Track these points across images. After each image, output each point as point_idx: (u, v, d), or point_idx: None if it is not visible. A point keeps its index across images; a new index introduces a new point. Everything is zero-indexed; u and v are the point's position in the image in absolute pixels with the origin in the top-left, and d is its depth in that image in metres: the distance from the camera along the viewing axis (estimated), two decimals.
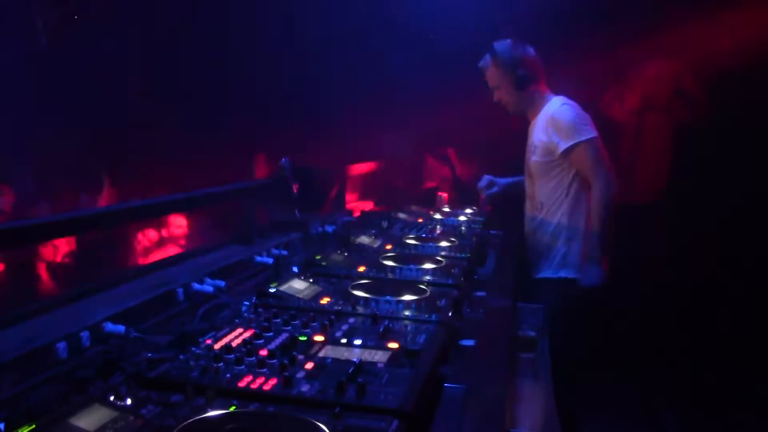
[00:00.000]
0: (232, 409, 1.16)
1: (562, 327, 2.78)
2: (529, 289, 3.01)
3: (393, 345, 1.50)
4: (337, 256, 2.46)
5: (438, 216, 3.64)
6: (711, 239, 4.16)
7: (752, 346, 3.91)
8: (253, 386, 1.26)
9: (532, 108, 3.05)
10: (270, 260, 2.43)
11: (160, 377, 1.29)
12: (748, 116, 4.05)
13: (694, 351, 4.10)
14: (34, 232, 1.78)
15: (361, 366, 1.35)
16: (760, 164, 4.06)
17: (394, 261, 2.35)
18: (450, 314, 1.82)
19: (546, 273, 2.99)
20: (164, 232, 5.26)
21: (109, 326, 1.58)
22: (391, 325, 1.65)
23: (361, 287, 1.97)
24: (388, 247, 2.74)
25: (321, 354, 1.44)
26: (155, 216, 2.33)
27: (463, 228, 3.20)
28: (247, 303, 1.83)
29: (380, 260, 2.37)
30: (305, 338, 1.53)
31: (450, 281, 2.15)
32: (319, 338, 1.54)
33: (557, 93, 3.05)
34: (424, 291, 1.95)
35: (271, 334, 1.55)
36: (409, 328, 1.66)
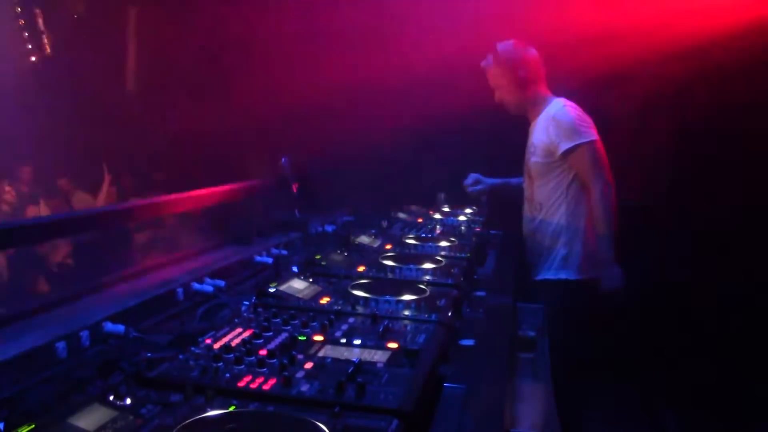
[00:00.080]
0: (231, 408, 1.16)
1: (562, 327, 2.78)
2: (528, 290, 3.01)
3: (393, 345, 1.50)
4: (337, 256, 2.46)
5: (438, 216, 3.65)
6: (711, 239, 4.16)
7: (752, 346, 3.91)
8: (253, 386, 1.26)
9: (532, 109, 3.06)
10: (270, 260, 2.44)
11: (160, 377, 1.29)
12: (749, 116, 4.04)
13: (694, 351, 4.09)
14: (34, 231, 1.78)
15: (361, 366, 1.35)
16: (761, 164, 4.05)
17: (394, 261, 2.35)
18: (450, 314, 1.82)
19: (546, 275, 2.99)
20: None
21: (109, 326, 1.58)
22: (390, 324, 1.65)
23: (360, 287, 1.97)
24: (388, 246, 2.74)
25: (320, 354, 1.44)
26: (155, 216, 2.33)
27: (462, 228, 3.20)
28: (246, 303, 1.82)
29: (380, 260, 2.37)
30: (305, 338, 1.53)
31: (450, 281, 2.15)
32: (318, 338, 1.54)
33: (558, 95, 3.06)
34: (423, 291, 1.95)
35: (270, 333, 1.55)
36: (408, 327, 1.66)
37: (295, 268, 2.27)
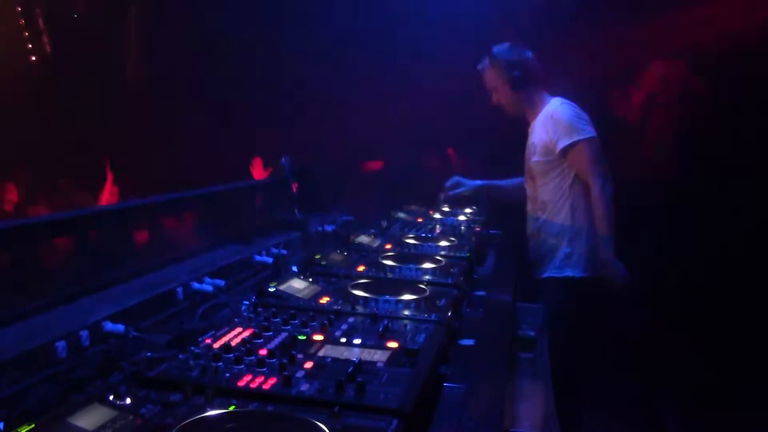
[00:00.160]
0: (231, 408, 1.16)
1: (562, 326, 2.78)
2: (530, 290, 3.01)
3: (392, 344, 1.50)
4: (337, 256, 2.46)
5: (437, 215, 3.65)
6: (712, 239, 4.16)
7: (753, 346, 3.91)
8: (253, 386, 1.26)
9: (531, 109, 3.07)
10: (269, 259, 2.43)
11: (160, 376, 1.29)
12: (749, 116, 4.04)
13: (694, 351, 4.09)
14: (33, 231, 1.78)
15: (361, 365, 1.35)
16: (761, 164, 4.05)
17: (394, 260, 2.35)
18: (449, 314, 1.82)
19: (550, 272, 2.99)
20: None
21: (109, 325, 1.57)
22: (390, 324, 1.65)
23: (360, 287, 1.97)
24: (388, 246, 2.74)
25: (320, 353, 1.44)
26: (154, 215, 2.33)
27: (462, 228, 3.20)
28: (246, 302, 1.82)
29: (380, 260, 2.37)
30: (304, 338, 1.53)
31: (449, 281, 2.15)
32: (318, 338, 1.54)
33: (558, 94, 3.06)
34: (423, 290, 1.95)
35: (270, 333, 1.55)
36: (408, 327, 1.66)
37: (295, 268, 2.27)
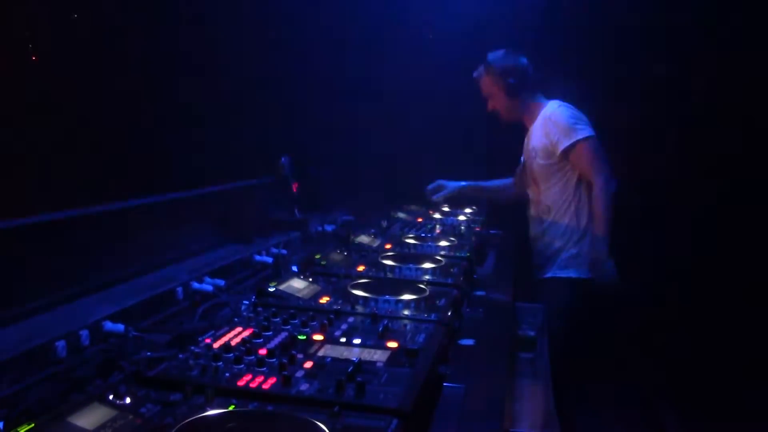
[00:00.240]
0: (231, 408, 1.16)
1: (562, 326, 2.78)
2: (530, 290, 3.01)
3: (392, 344, 1.50)
4: (337, 256, 2.46)
5: (437, 215, 3.65)
6: (712, 239, 4.16)
7: (753, 346, 3.91)
8: (253, 385, 1.26)
9: (527, 115, 3.08)
10: (269, 259, 2.44)
11: (160, 376, 1.29)
12: (750, 115, 4.04)
13: (694, 351, 4.09)
14: (33, 231, 1.78)
15: (361, 365, 1.35)
16: (761, 163, 4.05)
17: (394, 260, 2.35)
18: (449, 314, 1.82)
19: (554, 273, 2.99)
20: None
21: (109, 325, 1.58)
22: (390, 324, 1.65)
23: (360, 286, 1.97)
24: (388, 246, 2.74)
25: (320, 353, 1.44)
26: (154, 215, 2.33)
27: (462, 227, 3.20)
28: (246, 302, 1.83)
29: (380, 260, 2.37)
30: (304, 337, 1.53)
31: (449, 281, 2.15)
32: (318, 337, 1.54)
33: (555, 96, 3.07)
34: (423, 290, 1.95)
35: (270, 333, 1.55)
36: (408, 327, 1.66)
37: (294, 268, 2.27)
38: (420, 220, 3.47)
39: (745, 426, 3.69)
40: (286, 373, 1.28)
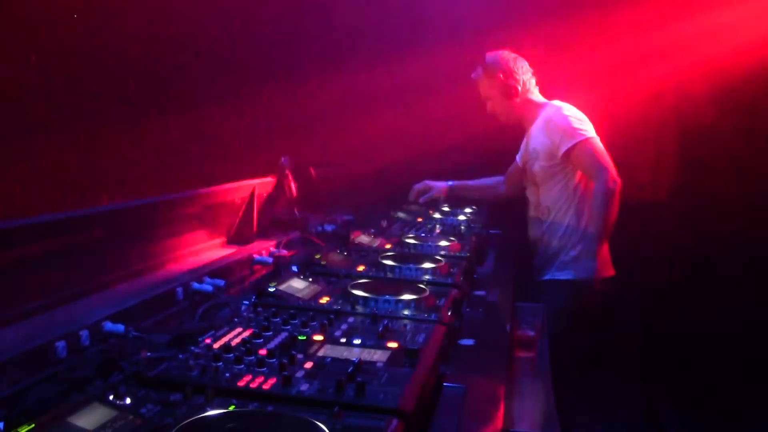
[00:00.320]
0: (231, 408, 1.16)
1: (562, 326, 2.78)
2: (530, 290, 3.01)
3: (392, 344, 1.50)
4: (337, 256, 2.46)
5: (437, 215, 3.65)
6: (712, 239, 4.16)
7: (753, 346, 3.91)
8: (253, 385, 1.26)
9: (527, 117, 3.07)
10: (269, 259, 2.44)
11: (160, 376, 1.29)
12: (751, 114, 4.04)
13: (694, 351, 4.09)
14: (33, 231, 1.78)
15: (361, 365, 1.35)
16: (761, 164, 4.05)
17: (394, 260, 2.35)
18: (449, 313, 1.82)
19: (554, 274, 2.99)
20: None
21: (109, 325, 1.57)
22: (390, 324, 1.65)
23: (360, 286, 1.97)
24: (388, 246, 2.74)
25: (320, 353, 1.44)
26: (154, 215, 2.33)
27: (462, 227, 3.20)
28: (246, 302, 1.83)
29: (379, 259, 2.37)
30: (304, 337, 1.53)
31: (449, 281, 2.15)
32: (318, 337, 1.54)
33: (555, 97, 3.07)
34: (423, 290, 1.95)
35: (270, 333, 1.55)
36: (408, 327, 1.66)
37: (294, 268, 2.27)
38: (420, 220, 3.47)
39: (745, 426, 3.70)
40: (286, 373, 1.28)
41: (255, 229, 2.80)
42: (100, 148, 2.42)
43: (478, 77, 3.09)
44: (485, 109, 3.14)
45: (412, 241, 2.81)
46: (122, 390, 1.19)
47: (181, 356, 1.38)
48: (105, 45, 2.51)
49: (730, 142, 4.13)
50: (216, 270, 2.16)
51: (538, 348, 2.17)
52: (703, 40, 3.95)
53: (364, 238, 2.84)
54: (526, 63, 3.06)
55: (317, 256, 2.40)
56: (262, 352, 1.40)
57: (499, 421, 1.36)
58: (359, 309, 1.81)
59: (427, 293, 1.92)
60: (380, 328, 1.59)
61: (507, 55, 3.05)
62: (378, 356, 1.43)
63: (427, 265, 2.30)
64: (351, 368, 1.31)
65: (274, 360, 1.36)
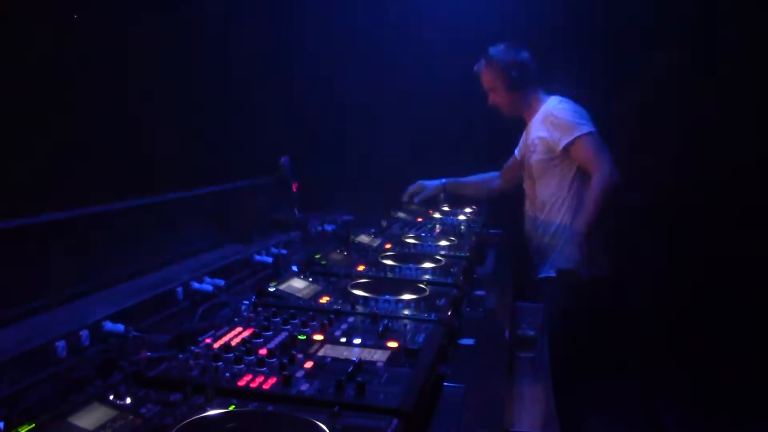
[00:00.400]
0: (231, 408, 1.16)
1: (562, 326, 2.78)
2: (530, 289, 3.01)
3: (392, 344, 1.50)
4: (337, 255, 2.46)
5: (437, 215, 3.65)
6: (712, 239, 4.16)
7: (753, 346, 3.91)
8: (253, 385, 1.26)
9: (528, 109, 3.07)
10: (269, 259, 2.44)
11: (160, 376, 1.29)
12: (753, 113, 4.04)
13: (694, 351, 4.09)
14: (33, 231, 1.78)
15: (361, 365, 1.35)
16: (762, 163, 4.05)
17: (394, 260, 2.35)
18: (449, 313, 1.82)
19: (549, 272, 2.99)
20: None
21: (109, 325, 1.58)
22: (390, 324, 1.65)
23: (360, 286, 1.97)
24: (388, 246, 2.74)
25: (320, 353, 1.44)
26: (154, 215, 2.34)
27: (462, 227, 3.20)
28: (246, 302, 1.83)
29: (380, 259, 2.37)
30: (304, 337, 1.53)
31: (449, 280, 2.15)
32: (318, 337, 1.54)
33: (558, 91, 3.06)
34: (423, 290, 1.95)
35: (270, 333, 1.55)
36: (408, 327, 1.66)
37: (294, 268, 2.27)
38: (420, 220, 3.47)
39: (745, 426, 3.70)
40: (286, 373, 1.28)
41: (255, 229, 2.80)
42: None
43: (480, 69, 3.09)
44: (488, 101, 3.14)
45: (412, 241, 2.81)
46: (122, 390, 1.19)
47: (181, 356, 1.38)
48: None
49: (730, 140, 4.13)
50: (216, 270, 2.16)
51: (538, 348, 2.17)
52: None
53: (364, 238, 2.84)
54: (530, 55, 3.05)
55: (317, 256, 2.39)
56: (262, 351, 1.40)
57: (499, 421, 1.36)
58: (359, 309, 1.81)
59: (427, 293, 1.92)
60: (380, 328, 1.59)
61: (510, 46, 3.04)
62: (378, 356, 1.43)
63: (427, 265, 2.30)
64: (351, 368, 1.31)
65: (275, 360, 1.36)
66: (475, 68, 3.11)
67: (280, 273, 2.21)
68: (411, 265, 2.28)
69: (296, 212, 3.07)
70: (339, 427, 1.10)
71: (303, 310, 1.76)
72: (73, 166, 2.26)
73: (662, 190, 4.43)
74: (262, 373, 1.31)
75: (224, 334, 1.53)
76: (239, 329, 1.57)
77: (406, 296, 1.87)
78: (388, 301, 1.85)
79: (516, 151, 3.30)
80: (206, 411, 1.14)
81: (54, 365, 1.41)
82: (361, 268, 2.30)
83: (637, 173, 4.34)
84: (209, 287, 2.00)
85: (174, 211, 2.48)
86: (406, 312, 1.79)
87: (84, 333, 1.51)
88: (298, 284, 1.99)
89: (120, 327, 1.57)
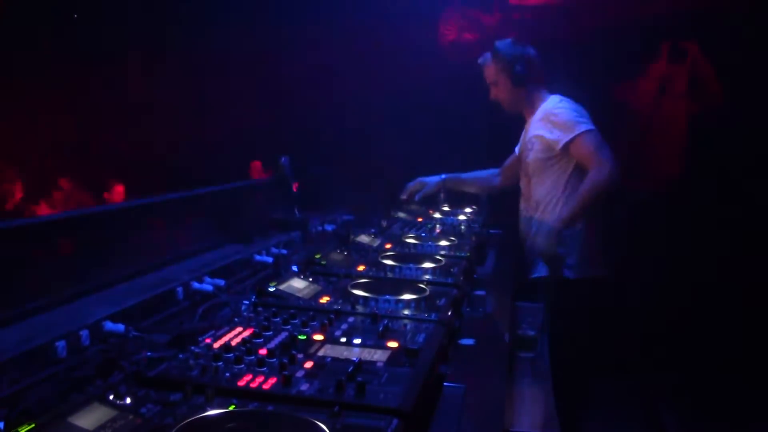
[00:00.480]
0: (231, 408, 1.16)
1: (562, 326, 2.77)
2: (530, 289, 3.01)
3: (392, 344, 1.50)
4: (337, 255, 2.46)
5: (437, 215, 3.65)
6: (712, 239, 4.16)
7: (753, 346, 3.91)
8: (253, 385, 1.26)
9: (529, 107, 3.06)
10: (269, 259, 2.43)
11: (160, 376, 1.29)
12: (754, 113, 4.03)
13: (694, 351, 4.09)
14: (33, 231, 1.78)
15: (361, 365, 1.35)
16: (762, 163, 4.05)
17: (394, 260, 2.35)
18: (449, 313, 1.82)
19: (543, 272, 2.99)
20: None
21: (109, 325, 1.57)
22: (390, 324, 1.65)
23: (360, 286, 1.97)
24: (388, 246, 2.74)
25: (320, 353, 1.44)
26: (154, 215, 2.34)
27: (462, 227, 3.20)
28: (246, 302, 1.83)
29: (380, 259, 2.37)
30: (305, 337, 1.53)
31: (449, 280, 2.15)
32: (318, 337, 1.54)
33: (558, 91, 3.06)
34: (423, 290, 1.95)
35: (270, 333, 1.55)
36: (408, 327, 1.66)
37: (295, 268, 2.27)
38: (420, 219, 3.47)
39: (745, 426, 3.69)
40: (286, 373, 1.28)
41: (255, 229, 2.80)
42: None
43: (485, 62, 3.08)
44: (489, 96, 3.13)
45: (412, 241, 2.81)
46: (122, 390, 1.19)
47: (181, 356, 1.38)
48: None
49: (730, 140, 4.13)
50: (216, 270, 2.16)
51: (538, 348, 2.17)
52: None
53: (364, 238, 2.84)
54: (535, 52, 3.04)
55: (317, 256, 2.39)
56: (263, 351, 1.40)
57: (499, 421, 1.36)
58: (359, 309, 1.81)
59: (427, 293, 1.92)
60: (380, 328, 1.59)
61: (516, 42, 3.04)
62: (378, 356, 1.43)
63: (427, 265, 2.30)
64: (351, 368, 1.31)
65: (275, 360, 1.36)
66: (479, 60, 3.10)
67: (280, 273, 2.21)
68: (411, 265, 2.28)
69: (296, 212, 3.07)
70: (339, 427, 1.10)
71: (303, 310, 1.76)
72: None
73: (662, 189, 4.43)
74: (262, 373, 1.31)
75: (224, 334, 1.53)
76: (239, 329, 1.57)
77: (406, 296, 1.87)
78: (388, 301, 1.85)
79: (516, 149, 3.30)
80: (206, 411, 1.14)
81: (54, 365, 1.41)
82: (361, 268, 2.30)
83: (637, 173, 4.35)
84: (209, 287, 1.99)
85: (174, 211, 2.48)
86: (406, 312, 1.79)
87: (84, 333, 1.50)
88: (298, 284, 1.99)
89: (120, 327, 1.57)
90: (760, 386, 3.79)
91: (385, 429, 1.11)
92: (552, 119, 2.90)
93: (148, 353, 1.40)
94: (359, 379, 1.25)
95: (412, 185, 3.55)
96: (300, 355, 1.40)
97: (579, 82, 3.23)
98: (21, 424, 1.04)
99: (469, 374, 1.52)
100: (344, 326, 1.64)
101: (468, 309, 2.10)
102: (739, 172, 4.12)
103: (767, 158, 4.04)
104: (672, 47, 4.41)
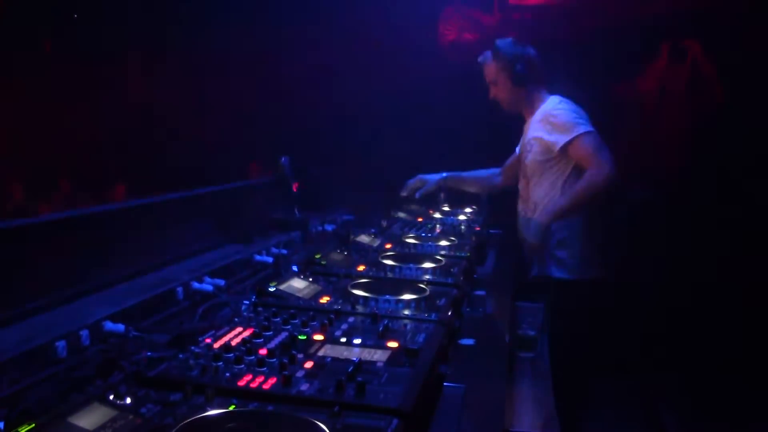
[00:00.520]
0: (231, 408, 1.16)
1: (562, 326, 2.77)
2: (530, 289, 3.01)
3: (392, 344, 1.50)
4: (337, 255, 2.46)
5: (437, 215, 3.65)
6: (712, 239, 4.16)
7: (753, 346, 3.91)
8: (253, 385, 1.26)
9: (528, 107, 3.06)
10: (269, 259, 2.43)
11: (160, 376, 1.29)
12: (754, 113, 4.04)
13: (694, 351, 4.09)
14: (33, 231, 1.78)
15: (361, 365, 1.35)
16: (762, 163, 4.05)
17: (394, 260, 2.35)
18: (449, 313, 1.82)
19: (538, 272, 2.99)
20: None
21: (109, 325, 1.57)
22: (390, 324, 1.65)
23: (360, 286, 1.97)
24: (388, 246, 2.74)
25: (320, 353, 1.44)
26: (154, 215, 2.34)
27: (462, 227, 3.20)
28: (246, 302, 1.83)
29: (380, 259, 2.37)
30: (305, 337, 1.53)
31: (449, 280, 2.15)
32: (318, 337, 1.54)
33: (558, 92, 3.06)
34: (423, 290, 1.95)
35: (270, 333, 1.55)
36: (408, 327, 1.66)
37: (295, 268, 2.27)
38: (420, 219, 3.47)
39: (745, 426, 3.69)
40: (286, 373, 1.28)
41: (255, 229, 2.80)
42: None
43: (485, 61, 3.07)
44: (489, 95, 3.13)
45: (412, 241, 2.81)
46: (122, 390, 1.19)
47: (181, 356, 1.38)
48: None
49: (731, 141, 4.13)
50: (216, 270, 2.16)
51: (538, 348, 2.17)
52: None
53: (364, 238, 2.84)
54: (535, 52, 3.04)
55: (317, 256, 2.39)
56: (263, 351, 1.40)
57: (499, 421, 1.36)
58: (359, 309, 1.81)
59: (427, 293, 1.92)
60: (380, 328, 1.59)
61: (517, 41, 3.04)
62: (378, 356, 1.43)
63: (428, 265, 2.30)
64: (351, 368, 1.31)
65: (275, 360, 1.36)
66: (479, 59, 3.09)
67: (281, 273, 2.21)
68: (411, 265, 2.28)
69: (296, 212, 3.07)
70: (339, 427, 1.10)
71: (303, 310, 1.76)
72: None
73: (662, 190, 4.43)
74: (262, 373, 1.31)
75: (224, 334, 1.53)
76: (239, 329, 1.57)
77: (407, 296, 1.87)
78: (388, 301, 1.85)
79: (517, 149, 3.30)
80: (206, 411, 1.14)
81: (54, 365, 1.41)
82: (361, 268, 2.30)
83: (637, 173, 4.35)
84: (209, 287, 1.99)
85: (174, 211, 2.48)
86: (407, 312, 1.79)
87: (84, 333, 1.50)
88: (298, 284, 1.99)
89: (120, 327, 1.57)
90: (760, 386, 3.79)
91: (385, 429, 1.11)
92: (551, 120, 2.90)
93: (148, 353, 1.40)
94: (359, 379, 1.25)
95: (413, 182, 3.55)
96: (300, 355, 1.40)
97: (579, 82, 3.23)
98: (21, 424, 1.04)
99: (469, 374, 1.52)
100: (344, 326, 1.64)
101: (468, 309, 2.10)
102: (739, 172, 4.12)
103: (767, 158, 4.04)
104: (672, 47, 4.41)
